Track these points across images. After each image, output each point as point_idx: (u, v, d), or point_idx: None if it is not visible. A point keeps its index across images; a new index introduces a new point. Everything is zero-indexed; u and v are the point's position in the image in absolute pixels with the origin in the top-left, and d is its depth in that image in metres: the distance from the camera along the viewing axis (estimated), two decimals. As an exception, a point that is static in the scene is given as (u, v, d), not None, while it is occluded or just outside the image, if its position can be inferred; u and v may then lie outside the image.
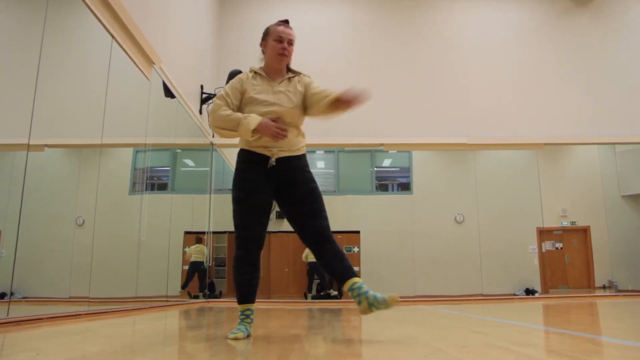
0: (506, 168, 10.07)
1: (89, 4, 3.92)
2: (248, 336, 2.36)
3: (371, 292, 2.29)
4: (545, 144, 8.82)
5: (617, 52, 9.17)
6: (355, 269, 9.88)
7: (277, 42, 2.45)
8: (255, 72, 2.51)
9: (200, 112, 7.54)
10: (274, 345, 2.06)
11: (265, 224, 2.41)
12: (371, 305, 2.27)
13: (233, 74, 7.46)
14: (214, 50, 8.52)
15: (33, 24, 3.44)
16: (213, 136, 8.16)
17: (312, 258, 8.91)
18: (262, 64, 2.54)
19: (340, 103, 2.36)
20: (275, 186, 2.40)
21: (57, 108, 3.86)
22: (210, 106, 2.41)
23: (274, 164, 2.37)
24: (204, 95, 7.62)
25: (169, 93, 5.94)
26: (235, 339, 2.25)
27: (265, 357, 1.73)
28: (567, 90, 8.99)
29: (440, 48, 9.17)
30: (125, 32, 4.52)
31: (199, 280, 7.40)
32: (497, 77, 9.04)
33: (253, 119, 2.30)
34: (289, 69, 2.55)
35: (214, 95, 7.68)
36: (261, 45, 2.52)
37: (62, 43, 3.97)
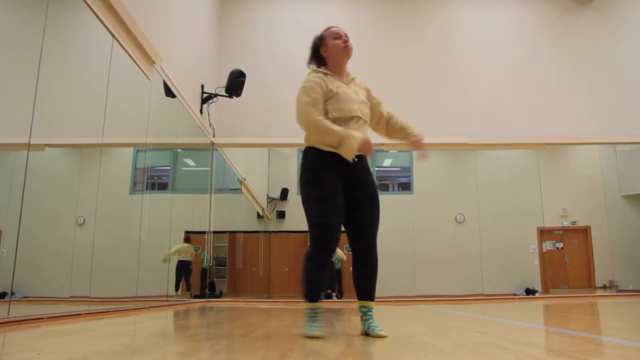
0: (507, 168, 10.06)
1: (90, 3, 3.92)
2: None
3: (372, 323, 2.40)
4: (546, 144, 8.81)
5: (618, 51, 9.16)
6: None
7: (337, 40, 2.53)
8: (323, 73, 2.51)
9: (201, 112, 7.53)
10: (274, 345, 2.06)
11: (341, 225, 2.43)
12: (366, 332, 2.42)
13: (234, 74, 7.49)
14: (215, 49, 8.52)
15: (34, 23, 3.44)
16: (213, 136, 8.16)
17: None
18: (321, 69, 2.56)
19: (410, 142, 2.54)
20: (344, 185, 2.43)
21: (57, 107, 3.86)
22: (299, 102, 2.40)
23: (356, 160, 2.41)
24: (205, 95, 7.62)
25: (169, 92, 5.93)
26: (318, 336, 2.27)
27: (266, 356, 1.73)
28: (568, 90, 8.99)
29: (441, 48, 9.17)
30: (126, 31, 4.52)
31: (184, 280, 7.33)
32: (498, 76, 9.03)
33: (356, 139, 2.32)
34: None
35: (215, 95, 7.67)
36: (321, 51, 2.56)
37: (62, 42, 3.97)
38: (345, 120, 2.41)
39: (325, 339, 2.25)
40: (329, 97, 2.43)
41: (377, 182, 10.26)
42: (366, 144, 2.35)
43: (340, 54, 2.53)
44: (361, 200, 2.43)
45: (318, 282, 2.42)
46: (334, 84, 2.47)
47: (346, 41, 2.53)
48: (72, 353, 1.79)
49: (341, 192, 2.41)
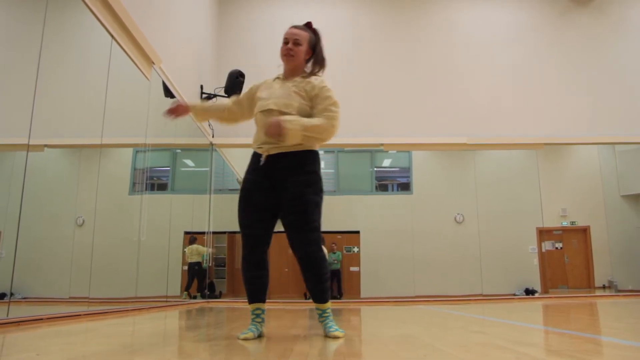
0: (506, 168, 10.07)
1: (89, 4, 3.92)
2: (259, 336, 2.34)
3: (327, 323, 2.39)
4: (545, 144, 8.82)
5: (617, 51, 9.17)
6: (355, 269, 9.90)
7: (283, 44, 2.48)
8: (276, 77, 2.55)
9: (200, 112, 7.53)
10: (274, 345, 2.06)
11: (267, 222, 2.36)
12: (325, 334, 2.39)
13: (233, 74, 7.49)
14: (214, 50, 8.52)
15: (33, 24, 3.44)
16: (213, 136, 8.16)
17: None
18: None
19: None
20: (272, 187, 2.36)
21: (56, 108, 3.86)
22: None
23: (262, 161, 2.35)
24: (204, 95, 7.62)
25: (168, 93, 5.93)
26: (245, 339, 2.23)
27: (265, 357, 1.73)
28: (567, 90, 8.99)
29: (440, 48, 9.17)
30: (125, 32, 4.52)
31: (197, 281, 7.39)
32: (497, 76, 9.04)
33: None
34: (312, 72, 2.49)
35: (214, 95, 7.67)
36: None
37: (61, 43, 3.97)
38: (258, 118, 2.44)
39: (255, 339, 2.23)
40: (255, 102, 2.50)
41: (376, 182, 10.26)
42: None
43: (282, 60, 2.51)
44: (285, 205, 2.33)
45: (250, 282, 2.40)
46: (266, 88, 2.50)
47: (288, 49, 2.44)
48: (71, 353, 1.79)
49: (261, 190, 2.35)
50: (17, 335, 2.51)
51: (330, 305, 2.43)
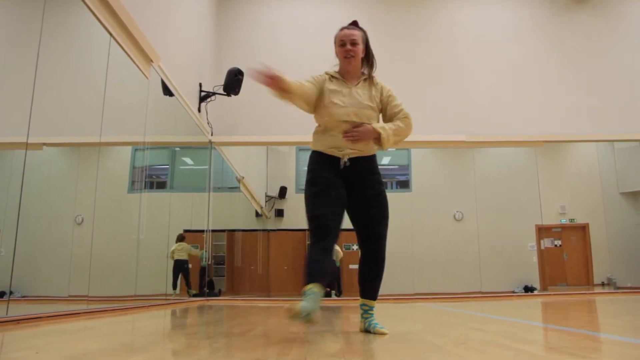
0: (505, 165, 10.07)
1: (88, 2, 3.91)
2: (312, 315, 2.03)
3: (372, 320, 2.46)
4: (545, 141, 8.82)
5: (616, 49, 9.16)
6: (355, 266, 9.90)
7: (340, 47, 2.51)
8: (331, 76, 2.55)
9: (199, 110, 7.53)
10: (273, 343, 2.06)
11: (341, 216, 2.42)
12: (366, 329, 2.46)
13: (232, 72, 7.47)
14: (213, 48, 8.50)
15: (31, 22, 3.43)
16: (212, 134, 8.15)
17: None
18: (337, 69, 2.60)
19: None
20: (347, 186, 2.45)
21: (55, 106, 3.85)
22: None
23: (348, 163, 2.43)
24: (203, 93, 7.60)
25: (167, 91, 5.93)
26: (306, 316, 1.99)
27: (265, 355, 1.73)
28: (566, 88, 8.99)
29: (440, 45, 9.16)
30: (124, 30, 4.51)
31: (183, 279, 7.34)
32: (497, 74, 9.03)
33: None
34: (366, 71, 2.58)
35: (213, 93, 7.66)
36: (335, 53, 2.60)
37: (60, 41, 3.97)
38: (334, 124, 2.45)
39: (313, 323, 2.07)
40: (323, 104, 2.48)
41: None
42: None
43: (342, 63, 2.54)
44: (362, 202, 2.45)
45: (312, 263, 2.23)
46: (332, 90, 2.49)
47: (348, 50, 2.48)
48: (70, 352, 1.79)
49: (339, 187, 2.42)
50: (16, 333, 2.51)
51: (376, 304, 2.51)
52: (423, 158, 10.08)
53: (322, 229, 2.34)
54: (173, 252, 6.83)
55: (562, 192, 10.94)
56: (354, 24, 2.58)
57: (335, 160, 2.44)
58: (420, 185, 9.93)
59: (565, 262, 11.03)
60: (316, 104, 2.50)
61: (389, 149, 2.56)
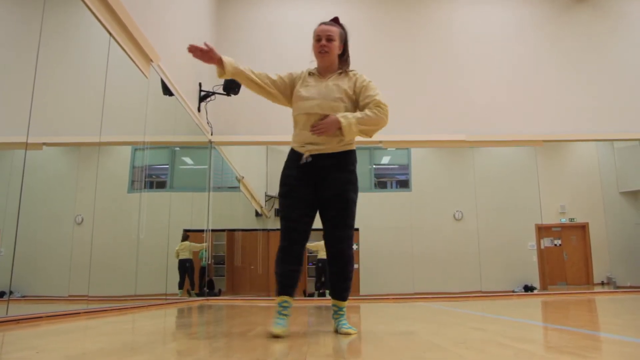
0: (505, 165, 10.07)
1: (87, 2, 3.91)
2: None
3: (341, 320, 2.46)
4: (544, 141, 8.82)
5: (616, 48, 9.16)
6: (355, 266, 9.89)
7: (316, 42, 2.51)
8: (310, 72, 2.57)
9: (199, 110, 7.52)
10: (273, 343, 2.06)
11: (310, 217, 2.42)
12: (335, 330, 2.46)
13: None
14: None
15: (31, 22, 3.43)
16: (212, 134, 8.15)
17: (323, 255, 8.89)
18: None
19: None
20: (314, 184, 2.42)
21: (55, 106, 3.85)
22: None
23: (307, 160, 2.39)
24: (203, 93, 7.60)
25: (167, 91, 5.93)
26: (277, 336, 2.19)
27: (265, 354, 1.73)
28: (566, 87, 8.99)
29: (439, 45, 9.16)
30: (124, 30, 4.51)
31: (188, 278, 7.36)
32: (497, 73, 9.03)
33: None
34: (342, 67, 2.55)
35: (212, 93, 7.66)
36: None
37: (60, 41, 3.96)
38: (299, 118, 2.47)
39: (284, 337, 2.20)
40: (294, 99, 2.51)
41: (375, 179, 10.25)
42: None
43: (316, 58, 2.53)
44: (325, 202, 2.41)
45: (284, 274, 2.37)
46: (304, 85, 2.51)
47: (323, 45, 2.47)
48: (70, 351, 1.79)
49: (304, 186, 2.40)
50: (16, 333, 2.51)
51: (347, 304, 2.50)
52: (423, 158, 10.08)
53: (290, 232, 2.38)
54: (177, 251, 6.86)
55: (562, 191, 10.93)
56: (335, 20, 2.58)
57: (299, 156, 2.43)
58: (420, 185, 9.92)
59: (565, 262, 11.03)
60: (292, 99, 2.52)
61: (383, 142, 2.48)
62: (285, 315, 2.32)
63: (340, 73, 2.52)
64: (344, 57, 2.56)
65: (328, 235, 2.42)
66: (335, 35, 2.50)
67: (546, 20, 9.31)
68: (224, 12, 8.98)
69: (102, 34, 4.26)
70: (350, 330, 2.38)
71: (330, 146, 2.39)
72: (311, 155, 2.40)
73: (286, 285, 2.37)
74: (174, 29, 6.28)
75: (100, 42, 4.32)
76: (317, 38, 2.50)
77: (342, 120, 2.31)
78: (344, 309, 2.49)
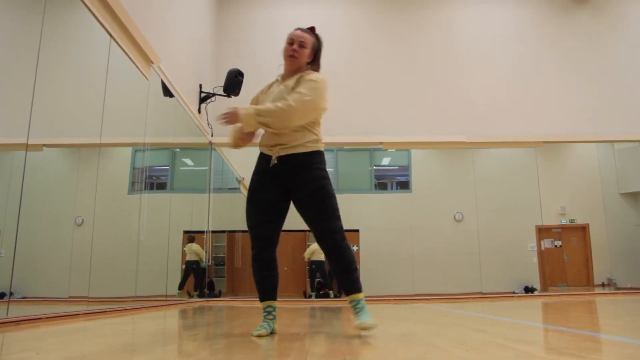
0: (505, 166, 10.06)
1: (87, 3, 3.91)
2: (272, 332, 2.41)
3: (359, 312, 2.39)
4: (544, 142, 8.82)
5: (616, 49, 9.17)
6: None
7: (287, 45, 2.52)
8: (277, 79, 2.60)
9: (199, 111, 7.53)
10: (273, 344, 2.06)
11: (274, 222, 2.41)
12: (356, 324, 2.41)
13: (232, 73, 7.48)
14: (213, 49, 8.50)
15: (31, 23, 3.44)
16: (212, 135, 8.15)
17: (315, 257, 8.89)
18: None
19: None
20: (285, 186, 2.42)
21: (55, 107, 3.85)
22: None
23: (275, 162, 2.40)
24: (203, 94, 7.61)
25: (167, 92, 5.93)
26: (259, 335, 2.29)
27: (265, 356, 1.73)
28: (566, 88, 8.99)
29: (440, 46, 9.17)
30: (124, 31, 4.51)
31: (193, 280, 7.38)
32: (497, 74, 9.04)
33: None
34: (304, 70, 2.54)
35: (213, 94, 7.66)
36: None
37: (60, 42, 3.97)
38: None
39: (265, 337, 2.28)
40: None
41: (375, 180, 10.25)
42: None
43: (284, 60, 2.55)
44: (302, 202, 2.40)
45: (260, 281, 2.43)
46: (268, 91, 2.58)
47: (293, 50, 2.48)
48: (70, 353, 1.79)
49: (268, 189, 2.41)
50: (16, 334, 2.50)
51: (363, 295, 2.43)
52: (423, 159, 10.07)
53: (258, 240, 2.40)
54: (188, 253, 6.92)
55: (562, 192, 10.93)
56: (311, 29, 2.58)
57: (269, 159, 2.44)
58: (420, 186, 9.92)
59: (565, 263, 11.02)
60: None
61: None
62: (270, 319, 2.42)
63: (301, 74, 2.50)
64: (313, 66, 2.56)
65: (317, 232, 2.39)
66: (307, 43, 2.51)
67: (546, 21, 9.31)
68: (224, 12, 8.99)
69: (102, 35, 4.26)
70: (363, 324, 2.31)
71: (298, 147, 2.40)
72: (280, 157, 2.41)
73: (265, 290, 2.44)
74: (174, 29, 6.28)
75: (101, 43, 4.33)
76: (290, 41, 2.52)
77: (241, 110, 2.36)
78: (361, 302, 2.40)
